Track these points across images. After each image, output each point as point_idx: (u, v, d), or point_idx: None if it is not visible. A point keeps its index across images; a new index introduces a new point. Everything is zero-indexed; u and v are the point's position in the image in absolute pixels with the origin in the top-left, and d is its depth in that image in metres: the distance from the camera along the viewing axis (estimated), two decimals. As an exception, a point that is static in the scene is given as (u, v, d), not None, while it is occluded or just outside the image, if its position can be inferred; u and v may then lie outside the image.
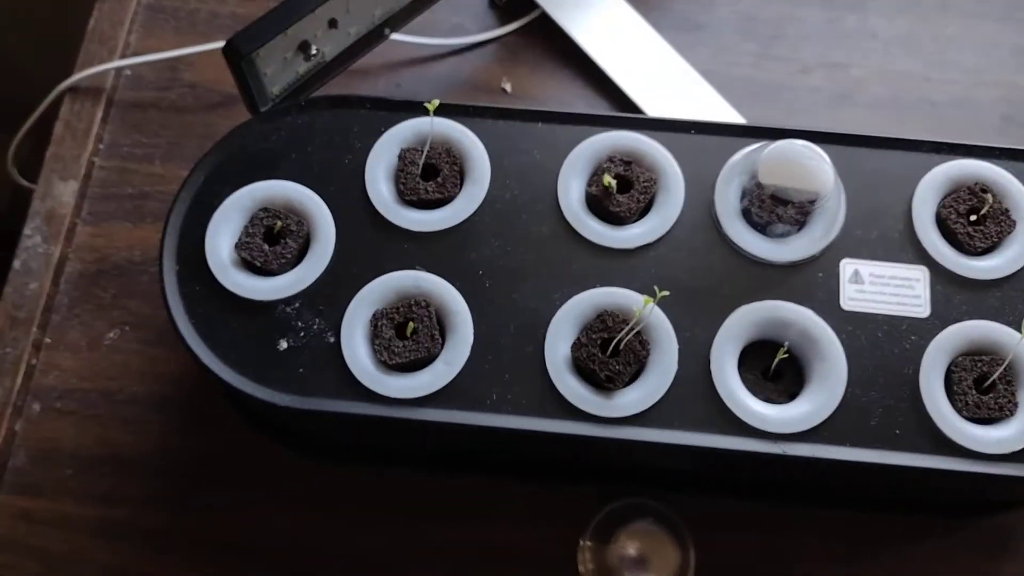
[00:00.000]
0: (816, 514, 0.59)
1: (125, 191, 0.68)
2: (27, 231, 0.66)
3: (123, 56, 0.71)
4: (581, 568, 0.59)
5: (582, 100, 0.70)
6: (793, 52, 0.73)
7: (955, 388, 0.48)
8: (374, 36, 0.63)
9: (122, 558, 0.59)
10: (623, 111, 0.69)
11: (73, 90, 0.70)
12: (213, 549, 0.59)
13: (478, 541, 0.58)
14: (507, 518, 0.58)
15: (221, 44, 0.66)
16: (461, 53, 0.73)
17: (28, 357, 0.63)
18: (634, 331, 0.47)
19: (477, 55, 0.73)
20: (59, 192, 0.67)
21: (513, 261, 0.50)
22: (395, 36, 0.66)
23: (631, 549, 0.58)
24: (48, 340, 0.63)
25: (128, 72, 0.71)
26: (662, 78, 0.69)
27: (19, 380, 0.62)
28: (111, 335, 0.64)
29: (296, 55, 0.59)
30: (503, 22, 0.73)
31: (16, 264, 0.65)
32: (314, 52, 0.59)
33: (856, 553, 0.59)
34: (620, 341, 0.48)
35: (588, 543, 0.59)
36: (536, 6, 0.72)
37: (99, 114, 0.70)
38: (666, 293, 0.47)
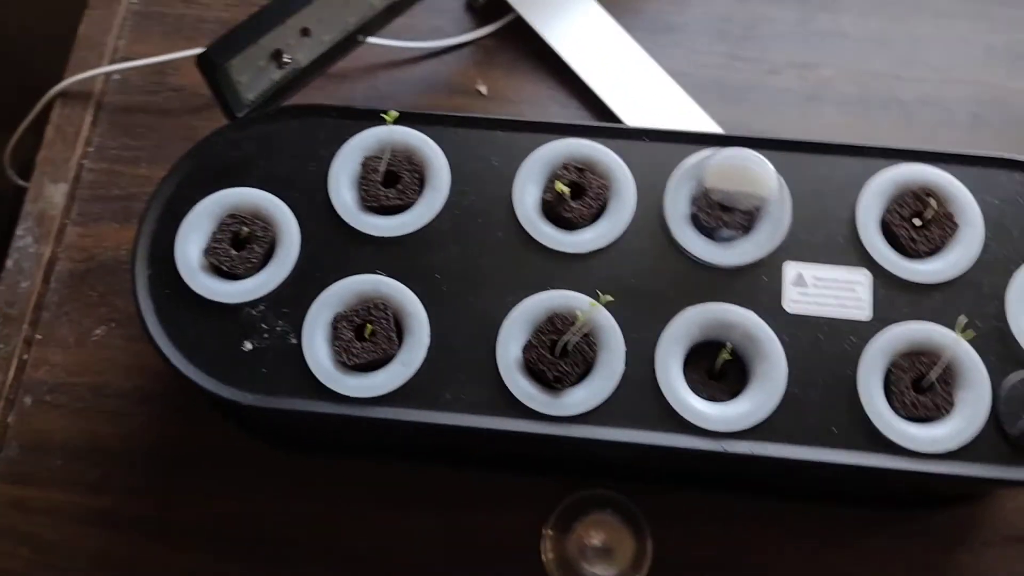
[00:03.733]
0: (773, 507, 0.61)
1: (112, 192, 0.70)
2: (19, 232, 0.69)
3: (112, 61, 0.74)
4: (543, 557, 0.62)
5: (555, 102, 0.72)
6: (764, 53, 0.74)
7: (893, 388, 0.50)
8: (349, 43, 0.65)
9: (110, 544, 0.62)
10: (595, 113, 0.71)
11: (64, 95, 0.72)
12: (197, 535, 0.62)
13: (443, 529, 0.60)
14: (471, 507, 0.61)
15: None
16: (439, 55, 0.74)
17: (20, 352, 0.65)
18: (580, 333, 0.49)
19: (454, 57, 0.75)
20: (50, 194, 0.70)
21: (469, 265, 0.52)
22: (373, 39, 0.68)
23: (591, 539, 0.60)
24: (39, 336, 0.66)
25: (117, 77, 0.74)
26: (633, 81, 0.71)
27: (11, 374, 0.65)
28: (98, 331, 0.67)
29: (269, 63, 0.61)
30: (480, 24, 0.75)
31: (8, 264, 0.68)
32: (287, 60, 0.61)
33: (813, 545, 0.60)
34: (567, 343, 0.50)
35: (550, 532, 0.62)
36: (511, 9, 0.74)
37: (88, 118, 0.72)
38: (609, 298, 0.49)
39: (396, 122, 0.54)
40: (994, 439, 0.49)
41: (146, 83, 0.73)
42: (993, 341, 0.51)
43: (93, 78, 0.73)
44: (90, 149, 0.72)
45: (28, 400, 0.65)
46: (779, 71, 0.74)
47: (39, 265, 0.68)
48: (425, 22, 0.75)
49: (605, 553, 0.60)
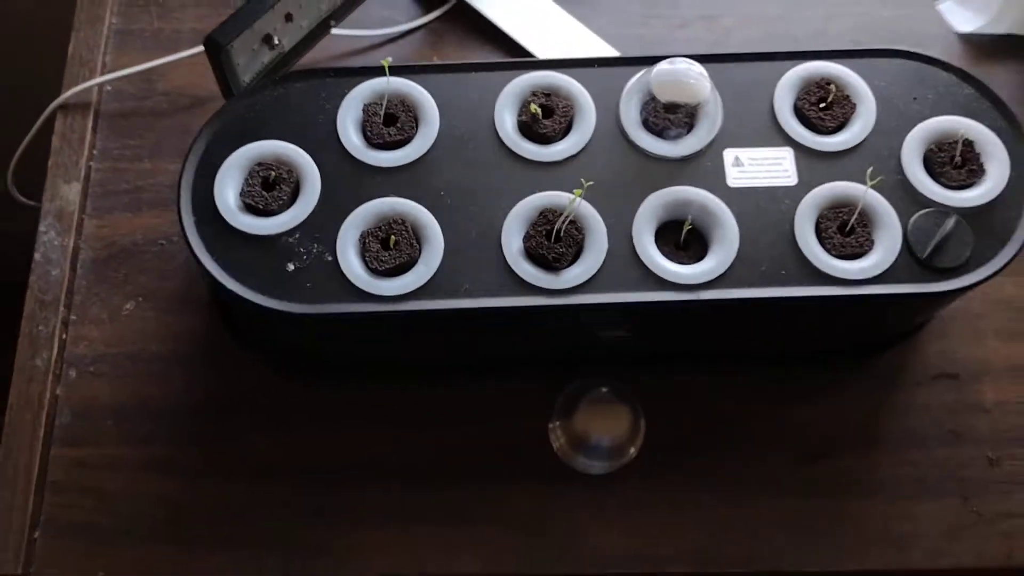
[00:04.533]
0: (744, 379, 0.71)
1: (121, 187, 0.78)
2: (42, 228, 0.76)
3: (102, 74, 0.82)
4: (555, 445, 0.71)
5: (504, 67, 0.83)
6: (674, 9, 0.87)
7: (823, 235, 0.62)
8: (322, 28, 0.75)
9: (166, 487, 0.69)
10: (539, 72, 0.82)
11: (63, 107, 0.80)
12: (241, 469, 0.69)
13: (461, 440, 0.69)
14: (485, 418, 0.70)
15: (187, 54, 0.78)
16: (395, 41, 0.85)
17: (59, 333, 0.72)
18: (569, 219, 0.60)
19: (408, 42, 0.85)
20: (64, 193, 0.77)
21: (467, 181, 0.63)
22: (336, 31, 0.78)
23: (591, 418, 0.70)
24: (74, 317, 0.73)
25: (109, 88, 0.82)
26: (567, 43, 0.82)
27: (55, 352, 0.72)
28: (128, 306, 0.74)
29: (261, 46, 0.70)
30: (427, 10, 0.85)
31: (37, 256, 0.75)
32: (276, 42, 0.71)
33: (783, 405, 0.71)
34: (560, 229, 0.60)
35: (557, 423, 0.71)
36: (454, -7, 0.85)
37: (89, 125, 0.80)
38: (591, 183, 0.59)
39: (387, 73, 0.64)
40: (909, 263, 0.61)
41: (136, 91, 0.82)
42: (897, 190, 0.63)
43: (88, 89, 0.80)
44: (95, 152, 0.79)
45: (73, 373, 0.72)
46: (688, 24, 0.86)
47: (65, 255, 0.75)
48: (378, 13, 0.85)
49: (605, 428, 0.70)
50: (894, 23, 0.86)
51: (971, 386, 0.73)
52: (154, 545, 0.67)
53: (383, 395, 0.71)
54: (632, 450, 0.70)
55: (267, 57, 0.71)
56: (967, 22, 0.85)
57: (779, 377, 0.72)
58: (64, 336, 0.73)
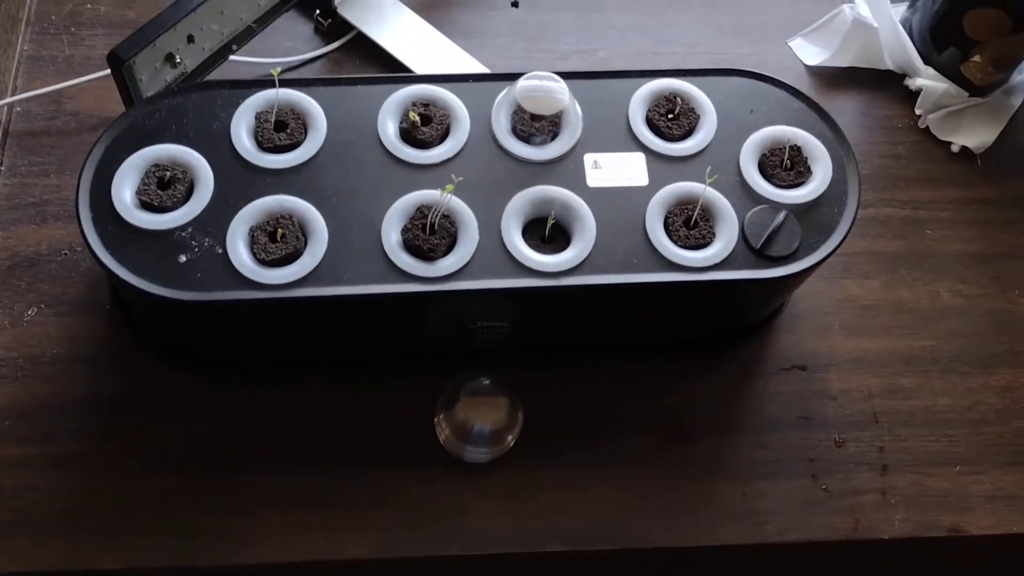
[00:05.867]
0: (614, 371, 0.77)
1: (28, 200, 0.81)
2: (-54, 238, 0.79)
3: (12, 95, 0.86)
4: (441, 437, 0.76)
5: (396, 92, 0.90)
6: (554, 45, 0.95)
7: (671, 228, 0.69)
8: (223, 52, 0.81)
9: (62, 484, 0.71)
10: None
11: (-29, 127, 0.84)
12: (139, 465, 0.72)
13: (354, 431, 0.74)
14: (372, 409, 0.74)
15: (95, 76, 0.83)
16: (295, 69, 0.91)
17: (-39, 337, 0.75)
18: (441, 212, 0.66)
19: (308, 70, 0.91)
20: (-29, 206, 0.80)
21: (351, 182, 0.68)
22: (240, 57, 0.84)
23: (472, 409, 0.74)
24: (-24, 323, 0.76)
25: (19, 109, 0.86)
26: (456, 70, 0.90)
27: (-46, 357, 0.74)
28: (30, 313, 0.77)
29: (164, 65, 0.76)
30: (327, 42, 0.92)
31: (-60, 265, 0.78)
32: (178, 61, 0.76)
33: (654, 394, 0.77)
34: (434, 222, 0.66)
35: (441, 415, 0.76)
36: (352, 27, 0.92)
37: (-3, 143, 0.84)
38: (461, 179, 0.66)
39: (280, 86, 0.70)
40: (745, 253, 0.69)
41: (45, 112, 0.86)
42: (736, 189, 0.71)
43: (-2, 110, 0.85)
44: (2, 168, 0.83)
45: (-29, 377, 0.74)
46: (567, 57, 0.95)
47: (-31, 265, 0.78)
48: (281, 44, 0.91)
49: (486, 418, 0.75)
50: (750, 58, 0.95)
51: (819, 375, 0.80)
52: (52, 537, 0.69)
53: (277, 388, 0.75)
54: (510, 438, 0.75)
55: (170, 75, 0.77)
56: (814, 56, 0.95)
57: (644, 367, 0.78)
58: (-34, 340, 0.75)
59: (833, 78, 0.95)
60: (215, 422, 0.74)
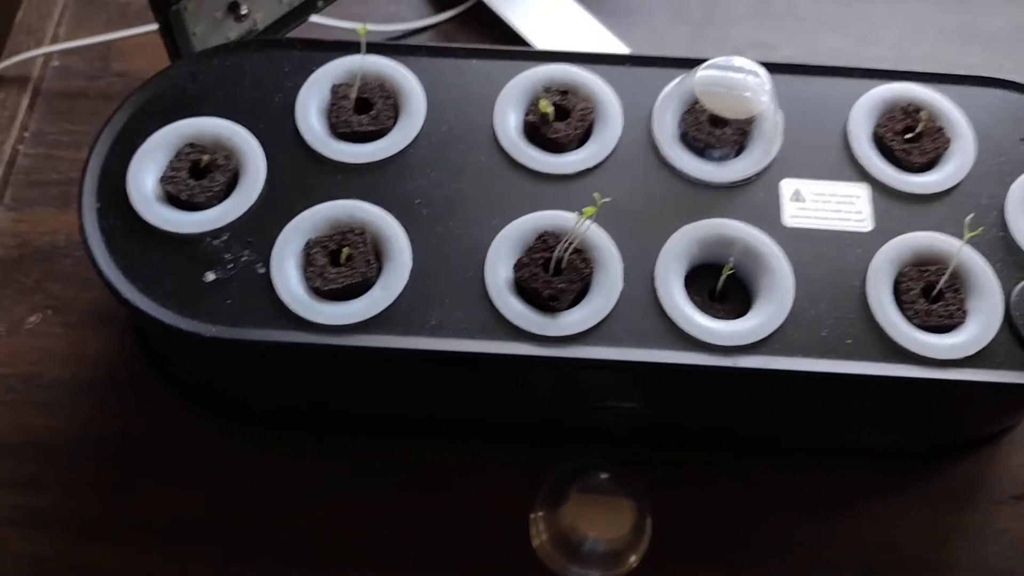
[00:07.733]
0: (778, 478, 0.58)
1: (50, 177, 0.66)
2: (-56, 215, 0.63)
3: (52, 45, 0.70)
4: (535, 541, 0.57)
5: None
6: (723, 33, 0.75)
7: (903, 298, 0.48)
8: (307, 7, 0.63)
9: (42, 547, 0.56)
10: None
11: (-2, 79, 0.69)
12: (138, 534, 0.55)
13: (425, 515, 0.55)
14: (450, 487, 0.56)
15: (152, 27, 0.66)
16: (397, 40, 0.73)
17: (-57, 343, 0.59)
18: (573, 245, 0.46)
19: (413, 41, 0.73)
20: (-20, 179, 0.65)
21: (450, 190, 0.49)
22: (326, 19, 0.66)
23: (584, 515, 0.55)
24: (-35, 326, 0.60)
25: (56, 63, 0.70)
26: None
27: (-68, 365, 0.59)
28: (32, 319, 0.61)
29: (226, 16, 0.58)
30: (439, 9, 0.74)
31: (-68, 247, 0.62)
32: (244, 13, 0.59)
33: (823, 513, 0.58)
34: (562, 259, 0.46)
35: (540, 513, 0.57)
36: (474, -7, 0.73)
37: (24, 103, 0.68)
38: (606, 199, 0.46)
39: (367, 51, 0.51)
40: (1011, 344, 0.47)
41: (88, 69, 0.71)
42: (998, 249, 0.50)
43: (30, 63, 0.70)
44: (26, 134, 0.68)
45: (-49, 392, 0.58)
46: (741, 51, 0.73)
47: (-35, 251, 0.62)
48: (381, 8, 0.74)
49: (601, 526, 0.55)
50: (983, 69, 0.73)
51: (1064, 511, 0.58)
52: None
53: (323, 450, 0.57)
54: (633, 558, 0.56)
55: (233, 31, 0.60)
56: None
57: (820, 475, 0.57)
58: (-50, 346, 0.59)
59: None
60: (238, 487, 0.56)
